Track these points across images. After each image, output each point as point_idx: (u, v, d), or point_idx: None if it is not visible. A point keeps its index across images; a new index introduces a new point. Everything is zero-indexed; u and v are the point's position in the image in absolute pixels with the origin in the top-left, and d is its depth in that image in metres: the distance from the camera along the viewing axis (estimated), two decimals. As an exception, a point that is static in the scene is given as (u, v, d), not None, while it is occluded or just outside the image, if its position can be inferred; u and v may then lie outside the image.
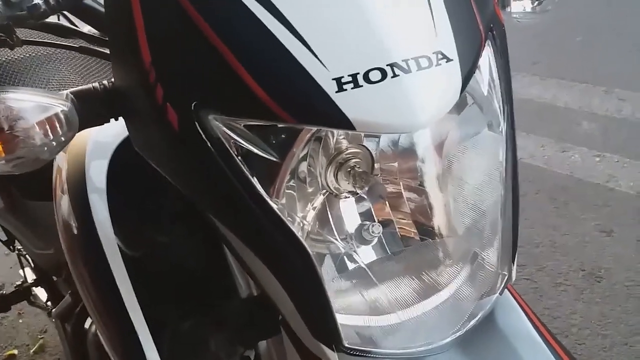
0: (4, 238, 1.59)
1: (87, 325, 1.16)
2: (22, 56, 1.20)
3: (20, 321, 2.23)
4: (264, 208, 0.42)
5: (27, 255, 1.64)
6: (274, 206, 0.43)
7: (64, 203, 0.64)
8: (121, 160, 0.61)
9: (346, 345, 0.45)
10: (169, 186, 0.58)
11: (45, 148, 0.45)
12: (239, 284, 0.61)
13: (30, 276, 1.66)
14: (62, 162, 0.67)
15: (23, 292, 1.62)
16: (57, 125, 0.44)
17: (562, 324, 1.65)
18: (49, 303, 1.47)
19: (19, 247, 1.66)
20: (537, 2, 0.61)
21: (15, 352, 2.10)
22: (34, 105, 0.44)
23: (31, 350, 2.06)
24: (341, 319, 0.45)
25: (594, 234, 1.92)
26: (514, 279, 0.51)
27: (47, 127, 0.44)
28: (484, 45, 0.46)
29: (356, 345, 0.45)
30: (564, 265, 1.83)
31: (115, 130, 0.60)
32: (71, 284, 1.23)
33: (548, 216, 2.02)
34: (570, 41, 3.08)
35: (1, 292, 1.76)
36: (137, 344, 0.59)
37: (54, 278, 1.42)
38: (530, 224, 2.00)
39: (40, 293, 1.62)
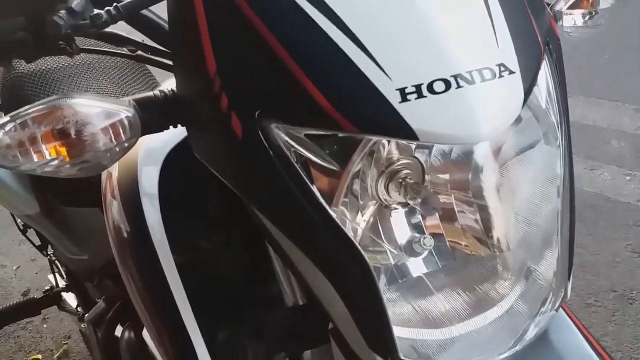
0: (38, 243, 1.62)
1: (117, 332, 1.17)
2: (60, 65, 1.23)
3: (45, 326, 2.25)
4: (323, 216, 0.43)
5: (57, 261, 1.67)
6: (333, 215, 0.43)
7: (114, 207, 0.65)
8: (172, 167, 0.62)
9: (402, 358, 0.44)
10: (220, 192, 0.58)
11: (109, 154, 0.46)
12: (285, 291, 0.61)
13: (60, 282, 1.69)
14: (111, 168, 0.68)
15: (53, 297, 1.65)
16: (121, 131, 0.45)
17: (593, 345, 1.61)
18: (79, 308, 1.49)
19: (50, 252, 1.69)
20: (588, 16, 0.61)
21: (39, 356, 2.12)
22: (100, 111, 0.45)
23: (55, 356, 2.08)
24: (397, 331, 0.45)
25: (625, 254, 1.88)
26: (569, 296, 0.50)
27: (111, 132, 0.45)
28: (543, 59, 0.46)
29: (411, 358, 0.45)
30: (594, 286, 1.79)
31: (166, 137, 0.61)
32: (103, 290, 1.25)
33: (577, 234, 1.97)
34: (599, 58, 3.05)
35: (28, 296, 1.79)
36: (190, 346, 0.60)
37: (86, 284, 1.44)
38: (559, 243, 1.97)
39: (69, 299, 1.64)
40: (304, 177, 0.42)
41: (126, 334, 1.12)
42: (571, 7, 0.60)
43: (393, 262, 0.52)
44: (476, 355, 0.47)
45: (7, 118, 0.44)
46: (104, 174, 0.73)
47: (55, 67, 1.25)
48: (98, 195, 1.01)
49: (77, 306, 1.52)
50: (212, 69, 0.43)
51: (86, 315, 1.23)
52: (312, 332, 0.58)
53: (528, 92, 0.43)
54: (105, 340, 1.20)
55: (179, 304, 0.61)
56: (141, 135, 0.48)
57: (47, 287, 1.74)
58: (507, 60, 0.42)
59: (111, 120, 0.45)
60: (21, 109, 0.45)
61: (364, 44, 0.40)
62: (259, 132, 0.42)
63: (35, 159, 0.45)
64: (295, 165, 0.42)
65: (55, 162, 0.45)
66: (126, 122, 0.46)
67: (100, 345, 1.21)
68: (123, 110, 0.46)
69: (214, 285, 0.63)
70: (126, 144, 0.46)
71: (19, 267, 2.60)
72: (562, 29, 0.61)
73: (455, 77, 0.40)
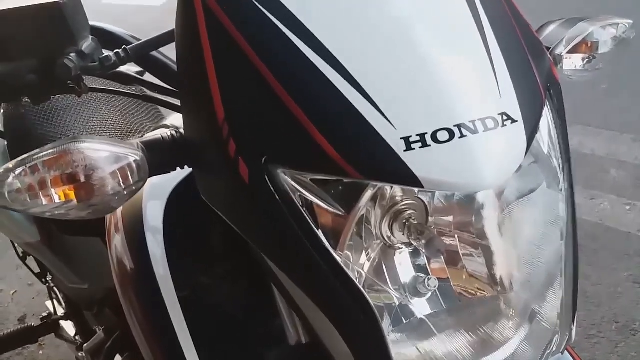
0: (37, 270, 1.61)
1: None
2: (63, 95, 1.25)
3: (41, 352, 2.22)
4: (327, 260, 0.43)
5: (55, 289, 1.66)
6: (339, 259, 0.43)
7: (118, 241, 0.66)
8: (177, 202, 0.62)
9: None
10: (224, 229, 0.59)
11: (117, 197, 0.46)
12: (288, 329, 0.61)
13: (59, 310, 1.67)
14: None
15: (51, 325, 1.64)
16: (129, 175, 0.46)
17: (596, 378, 1.60)
18: (77, 337, 1.47)
19: (49, 280, 1.68)
20: (587, 60, 0.62)
21: None
22: (109, 155, 0.45)
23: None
24: None
25: (627, 284, 1.87)
26: (573, 339, 0.50)
27: (120, 176, 0.46)
28: (544, 105, 0.47)
29: None
30: (597, 316, 1.78)
31: (171, 173, 0.62)
32: (103, 319, 1.24)
33: (580, 265, 1.98)
34: (596, 89, 3.08)
35: (25, 323, 1.76)
36: None
37: (85, 313, 1.43)
38: (559, 272, 1.97)
39: (67, 327, 1.63)
40: (310, 221, 0.43)
41: None
42: (571, 51, 0.61)
43: (397, 303, 0.52)
44: None
45: (17, 162, 0.45)
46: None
47: (59, 97, 1.26)
48: (100, 226, 1.01)
49: (75, 335, 1.50)
50: (221, 115, 0.44)
51: (85, 344, 1.22)
52: None
53: (530, 139, 0.44)
54: None
55: (181, 339, 0.61)
56: (148, 177, 0.48)
57: (44, 314, 1.72)
58: (510, 109, 0.43)
59: (120, 164, 0.46)
60: (31, 153, 0.45)
61: (368, 93, 0.41)
62: (266, 177, 0.42)
63: (45, 203, 0.45)
64: (301, 209, 0.43)
65: (65, 205, 0.46)
66: (134, 166, 0.46)
67: None
68: (131, 154, 0.46)
69: (216, 322, 0.63)
70: (134, 187, 0.47)
71: (15, 292, 2.57)
72: (562, 71, 0.62)
73: (458, 126, 0.41)
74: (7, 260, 2.91)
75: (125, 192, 0.46)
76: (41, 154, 0.44)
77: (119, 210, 0.68)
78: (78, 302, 1.39)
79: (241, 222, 0.48)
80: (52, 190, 0.45)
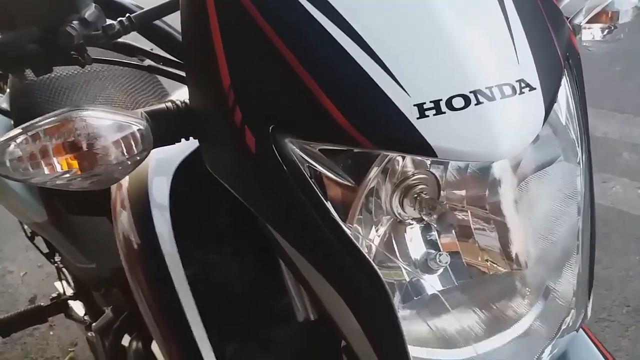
0: (45, 250, 1.62)
1: (124, 341, 1.16)
2: (70, 73, 1.24)
3: (51, 333, 2.24)
4: (337, 232, 0.42)
5: (64, 269, 1.67)
6: (348, 231, 0.42)
7: (124, 218, 0.65)
8: (183, 178, 0.61)
9: None
10: (231, 204, 0.58)
11: (120, 167, 0.45)
12: (296, 306, 0.60)
13: (68, 290, 1.69)
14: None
15: (60, 305, 1.65)
16: (133, 144, 0.45)
17: (606, 362, 1.59)
18: (86, 317, 1.48)
19: (58, 260, 1.69)
20: (607, 30, 0.60)
21: None
22: (112, 124, 0.44)
23: (63, 365, 2.11)
24: (413, 351, 0.44)
25: (638, 268, 1.86)
26: (589, 316, 0.49)
27: (123, 146, 0.44)
28: (563, 74, 0.45)
29: None
30: (608, 300, 1.77)
31: (177, 148, 0.61)
32: (111, 299, 1.24)
33: (589, 249, 1.97)
34: (610, 71, 3.03)
35: (35, 303, 1.78)
36: (199, 358, 0.59)
37: (93, 292, 1.43)
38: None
39: (76, 307, 1.64)
40: (318, 192, 0.42)
41: (134, 344, 1.11)
42: (590, 21, 0.59)
43: (408, 279, 0.51)
44: None
45: (18, 130, 0.43)
46: (113, 185, 0.72)
47: (65, 75, 1.26)
48: (107, 204, 1.00)
49: (85, 314, 1.51)
50: (227, 82, 0.43)
51: (93, 324, 1.22)
52: (323, 349, 0.57)
53: (549, 109, 0.42)
54: (112, 350, 1.19)
55: (188, 316, 0.60)
56: (153, 148, 0.47)
57: (54, 295, 1.74)
58: (528, 76, 0.41)
59: (123, 133, 0.44)
60: (33, 121, 0.44)
61: (381, 58, 0.40)
62: (273, 146, 0.41)
63: (47, 172, 0.44)
64: (310, 180, 0.42)
65: (67, 175, 0.45)
66: (138, 135, 0.45)
67: (107, 354, 1.21)
68: (135, 123, 0.45)
69: (224, 298, 0.62)
70: (138, 157, 0.46)
71: (25, 273, 2.60)
72: (581, 42, 0.60)
73: (474, 92, 0.39)
74: (16, 241, 2.94)
75: (129, 162, 0.45)
76: (43, 122, 0.43)
77: (124, 187, 0.67)
78: (86, 281, 1.39)
79: (248, 193, 0.46)
80: (54, 159, 0.44)
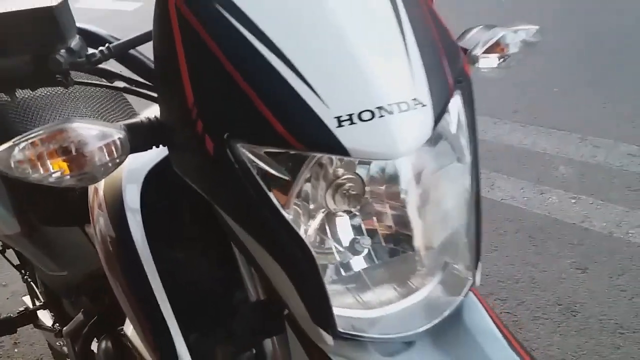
0: (16, 263, 1.66)
1: (93, 346, 1.23)
2: (43, 94, 1.31)
3: (16, 350, 2.25)
4: (277, 217, 0.53)
5: (32, 283, 1.71)
6: (286, 215, 0.53)
7: (101, 220, 0.74)
8: (152, 184, 0.71)
9: (340, 330, 0.55)
10: (193, 207, 0.69)
11: (102, 168, 0.56)
12: (249, 291, 0.71)
13: (36, 303, 1.73)
14: (97, 185, 0.78)
15: (29, 316, 1.68)
16: (114, 150, 0.55)
17: (540, 355, 1.73)
18: (56, 325, 1.53)
19: (26, 274, 1.74)
20: (501, 59, 0.74)
21: None
22: (97, 133, 0.55)
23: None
24: (338, 311, 0.55)
25: (570, 270, 2.03)
26: (477, 284, 0.61)
27: (106, 151, 0.55)
28: (452, 95, 0.59)
29: (348, 331, 0.56)
30: (542, 300, 1.93)
31: (145, 158, 0.71)
32: (80, 304, 1.31)
33: (527, 254, 2.13)
34: (548, 91, 3.27)
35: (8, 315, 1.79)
36: (170, 343, 0.69)
37: (63, 300, 1.49)
38: (510, 261, 2.11)
39: (44, 318, 1.68)
40: (263, 186, 0.53)
41: (103, 344, 1.18)
42: (486, 51, 0.73)
43: (339, 259, 0.62)
44: (400, 330, 0.58)
45: (20, 138, 0.54)
46: (90, 191, 0.82)
47: (38, 96, 1.33)
48: (77, 214, 1.09)
49: (54, 323, 1.56)
50: (190, 100, 0.54)
51: (64, 328, 1.28)
52: (271, 321, 0.68)
53: (437, 120, 0.55)
54: (82, 352, 1.26)
55: (161, 305, 0.70)
56: (130, 153, 0.58)
57: (21, 308, 1.76)
58: (420, 95, 0.54)
59: (106, 140, 0.55)
60: (32, 131, 0.54)
61: (308, 81, 0.52)
62: (228, 150, 0.52)
63: (42, 172, 0.55)
64: (256, 177, 0.53)
65: (58, 174, 0.55)
66: (118, 142, 0.56)
67: (77, 357, 1.27)
68: (116, 133, 0.56)
69: (190, 288, 0.73)
70: (117, 160, 0.56)
71: (-11, 292, 2.62)
72: (480, 69, 0.74)
73: (379, 108, 0.51)
74: None
75: (110, 165, 0.56)
76: (40, 132, 0.53)
77: (100, 192, 0.77)
78: (57, 289, 1.45)
79: (209, 189, 0.58)
80: (48, 161, 0.54)
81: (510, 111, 3.10)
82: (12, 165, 0.53)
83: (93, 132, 0.55)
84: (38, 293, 1.71)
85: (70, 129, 0.54)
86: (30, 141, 0.54)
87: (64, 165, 0.55)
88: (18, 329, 1.81)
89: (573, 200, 2.37)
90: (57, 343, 1.62)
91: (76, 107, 1.35)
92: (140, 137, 0.59)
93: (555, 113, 3.03)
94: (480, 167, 0.62)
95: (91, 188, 0.80)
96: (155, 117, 0.60)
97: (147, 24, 0.62)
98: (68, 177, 0.55)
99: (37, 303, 1.70)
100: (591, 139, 2.75)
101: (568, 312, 1.87)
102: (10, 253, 1.65)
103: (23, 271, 1.67)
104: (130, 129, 0.58)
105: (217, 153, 0.53)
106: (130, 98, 1.07)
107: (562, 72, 3.43)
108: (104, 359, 1.16)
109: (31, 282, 1.70)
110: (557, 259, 2.09)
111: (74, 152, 0.54)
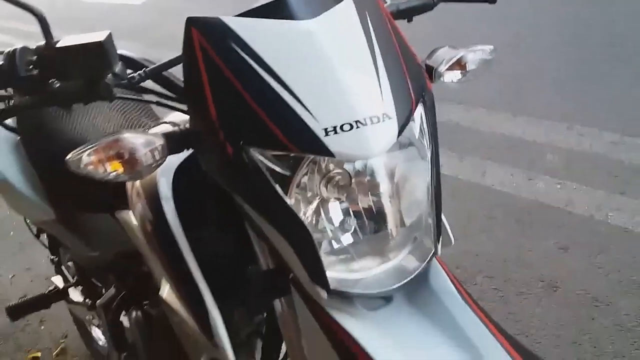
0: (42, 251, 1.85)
1: (122, 317, 1.42)
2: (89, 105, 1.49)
3: (42, 327, 2.43)
4: (282, 204, 0.70)
5: (61, 263, 1.90)
6: (289, 202, 0.71)
7: (140, 207, 0.93)
8: (180, 177, 0.89)
9: (332, 288, 0.73)
10: (216, 195, 0.86)
11: (148, 168, 0.73)
12: (261, 262, 0.89)
13: (65, 282, 1.92)
14: None
15: (62, 292, 1.86)
16: (156, 153, 0.73)
17: (523, 326, 1.91)
18: (87, 300, 1.73)
19: (53, 257, 1.93)
20: (461, 74, 0.91)
21: (39, 354, 2.29)
22: (143, 141, 0.73)
23: (54, 353, 2.28)
24: (329, 274, 0.73)
25: (553, 250, 2.20)
26: (439, 253, 0.79)
27: (150, 154, 0.73)
28: (414, 109, 0.75)
29: (338, 288, 0.74)
30: (527, 277, 2.10)
31: (174, 156, 0.89)
32: (110, 281, 1.49)
33: (514, 236, 2.30)
34: (540, 84, 3.42)
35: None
36: (202, 304, 0.87)
37: (93, 279, 1.68)
38: (498, 243, 2.28)
39: (74, 295, 1.87)
40: (271, 180, 0.70)
41: (133, 314, 1.37)
42: (449, 68, 0.90)
43: (331, 235, 0.80)
44: (378, 288, 0.75)
45: (87, 146, 0.71)
46: (128, 184, 1.01)
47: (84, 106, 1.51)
48: (108, 203, 1.28)
49: (85, 299, 1.75)
50: (214, 114, 0.71)
51: (97, 302, 1.46)
52: (279, 286, 0.86)
53: (402, 129, 0.71)
54: (113, 322, 1.45)
55: (193, 273, 0.88)
56: (168, 155, 0.76)
57: (51, 287, 1.93)
58: (388, 110, 0.70)
59: (150, 147, 0.73)
60: (94, 142, 0.72)
61: (302, 101, 0.68)
62: (243, 154, 0.70)
63: (102, 172, 0.72)
64: (266, 173, 0.70)
65: (114, 173, 0.73)
66: (159, 148, 0.73)
67: (109, 325, 1.46)
68: (157, 140, 0.74)
69: (214, 259, 0.91)
70: (159, 162, 0.74)
71: (14, 275, 2.78)
72: (443, 83, 0.91)
73: (356, 121, 0.68)
74: (5, 246, 3.07)
75: (153, 165, 0.73)
76: (101, 142, 0.71)
77: (138, 184, 0.95)
78: (89, 268, 1.64)
79: (229, 183, 0.75)
80: (107, 164, 0.72)
81: (505, 103, 3.26)
82: (81, 167, 0.71)
83: (141, 140, 0.72)
84: (67, 273, 1.90)
85: (124, 139, 0.72)
86: (94, 149, 0.71)
87: (119, 166, 0.73)
88: (46, 308, 1.96)
89: (558, 186, 2.54)
90: (87, 317, 1.80)
91: (102, 109, 1.53)
92: (175, 142, 0.76)
93: (545, 104, 3.17)
94: (442, 157, 0.80)
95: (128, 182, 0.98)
96: (185, 127, 0.78)
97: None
98: (122, 175, 0.73)
99: (65, 283, 1.89)
100: (577, 127, 2.90)
101: (550, 288, 2.03)
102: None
103: (54, 254, 1.85)
104: (167, 137, 0.75)
105: (235, 156, 0.70)
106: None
107: (551, 71, 3.58)
108: (135, 327, 1.35)
109: (61, 263, 1.89)
110: (541, 240, 2.25)
111: (126, 157, 0.72)
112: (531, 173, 2.64)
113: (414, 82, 0.76)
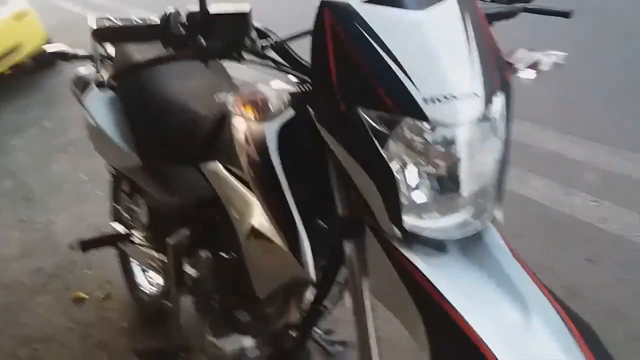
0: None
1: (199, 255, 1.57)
2: (191, 64, 1.66)
3: (90, 272, 2.64)
4: (377, 152, 0.85)
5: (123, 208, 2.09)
6: (382, 152, 0.87)
7: (250, 152, 1.11)
8: (283, 133, 1.07)
9: (404, 226, 0.89)
10: (307, 147, 1.04)
11: (274, 114, 0.91)
12: (339, 206, 1.04)
13: (121, 228, 2.11)
14: (239, 127, 1.15)
15: (126, 235, 2.05)
16: (283, 104, 0.91)
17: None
18: (152, 243, 1.91)
19: (115, 205, 2.12)
20: (536, 73, 1.06)
21: (86, 296, 2.50)
22: (274, 93, 0.90)
23: (100, 297, 2.50)
24: (404, 218, 0.89)
25: (580, 261, 2.30)
26: (497, 218, 0.94)
27: (279, 103, 0.90)
28: (496, 92, 0.90)
29: (411, 229, 0.90)
30: (550, 283, 2.14)
31: (277, 120, 1.06)
32: (185, 223, 1.66)
33: (545, 244, 2.41)
34: (590, 105, 3.49)
35: (74, 250, 2.11)
36: (295, 231, 1.07)
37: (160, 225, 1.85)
38: (529, 248, 2.39)
39: (135, 239, 2.05)
40: (371, 133, 0.86)
41: (203, 254, 1.55)
42: (528, 67, 1.05)
43: (408, 194, 0.95)
44: (443, 235, 0.91)
45: (232, 96, 0.89)
46: (235, 133, 1.19)
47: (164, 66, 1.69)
48: (194, 156, 1.47)
49: (152, 241, 1.93)
50: (334, 79, 0.88)
51: (168, 239, 1.60)
52: (353, 229, 1.02)
53: (487, 106, 0.87)
54: (178, 262, 1.63)
55: (291, 206, 1.07)
56: (290, 107, 0.93)
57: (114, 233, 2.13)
58: (477, 90, 0.86)
59: (280, 100, 0.90)
60: (236, 92, 0.90)
61: (408, 73, 0.84)
62: (352, 111, 0.86)
63: (241, 114, 0.90)
64: (368, 129, 0.86)
65: (250, 116, 0.91)
66: (286, 100, 0.91)
67: (176, 264, 1.64)
68: (284, 93, 0.91)
69: (305, 195, 1.08)
70: (283, 110, 0.92)
71: (68, 225, 3.03)
72: (519, 78, 1.05)
73: (451, 95, 0.84)
74: (61, 196, 3.33)
75: (278, 113, 0.91)
76: (243, 91, 0.89)
77: (246, 134, 1.13)
78: (162, 213, 1.80)
79: (338, 133, 0.91)
80: (244, 107, 0.90)
81: (552, 120, 3.36)
82: (227, 104, 0.89)
83: (272, 93, 0.90)
84: (127, 219, 2.08)
85: (258, 90, 0.90)
86: (236, 96, 0.90)
87: (253, 110, 0.91)
88: (113, 246, 2.16)
89: (594, 203, 2.63)
90: (146, 259, 1.98)
91: (193, 75, 1.73)
92: (297, 100, 0.94)
93: (589, 125, 3.26)
94: (513, 162, 0.95)
95: (234, 130, 1.17)
96: (306, 88, 0.95)
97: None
98: (255, 118, 0.91)
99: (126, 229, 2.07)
100: (622, 152, 2.98)
101: (570, 295, 2.12)
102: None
103: (128, 199, 2.02)
104: (292, 94, 0.93)
105: (346, 113, 0.87)
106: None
107: (604, 84, 3.65)
108: (206, 265, 1.53)
109: (121, 209, 2.08)
110: (570, 251, 2.35)
111: (260, 104, 0.90)
112: (570, 189, 2.73)
113: (498, 71, 0.91)
